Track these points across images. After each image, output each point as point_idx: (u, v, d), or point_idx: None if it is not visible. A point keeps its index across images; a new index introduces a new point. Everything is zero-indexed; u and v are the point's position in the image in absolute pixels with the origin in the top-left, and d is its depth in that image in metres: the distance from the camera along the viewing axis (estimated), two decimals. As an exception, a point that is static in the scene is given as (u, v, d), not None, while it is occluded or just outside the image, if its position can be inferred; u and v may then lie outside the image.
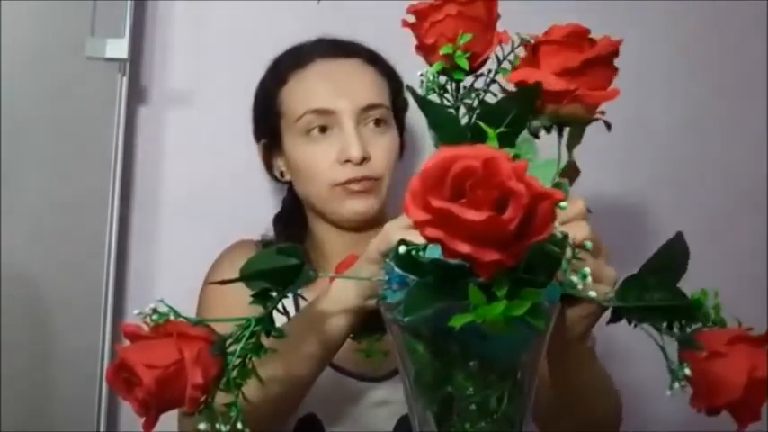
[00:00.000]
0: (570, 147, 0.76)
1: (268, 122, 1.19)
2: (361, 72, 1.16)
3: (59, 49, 1.30)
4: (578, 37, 0.75)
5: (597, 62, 0.74)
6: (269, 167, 1.23)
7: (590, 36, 0.75)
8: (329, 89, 1.13)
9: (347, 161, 1.10)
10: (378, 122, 1.13)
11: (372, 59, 1.19)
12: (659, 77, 1.48)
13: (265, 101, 1.20)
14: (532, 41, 0.76)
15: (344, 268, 0.87)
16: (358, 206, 1.12)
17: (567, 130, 0.76)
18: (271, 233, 1.24)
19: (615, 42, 0.74)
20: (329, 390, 1.05)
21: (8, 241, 1.23)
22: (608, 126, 0.76)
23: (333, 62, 1.16)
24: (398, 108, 1.20)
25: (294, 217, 1.23)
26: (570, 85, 0.73)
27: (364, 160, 1.10)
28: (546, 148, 0.76)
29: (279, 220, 1.26)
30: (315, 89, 1.14)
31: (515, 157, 0.72)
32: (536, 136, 0.76)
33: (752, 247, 1.54)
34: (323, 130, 1.12)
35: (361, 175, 1.10)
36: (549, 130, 0.77)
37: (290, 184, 1.21)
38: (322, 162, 1.12)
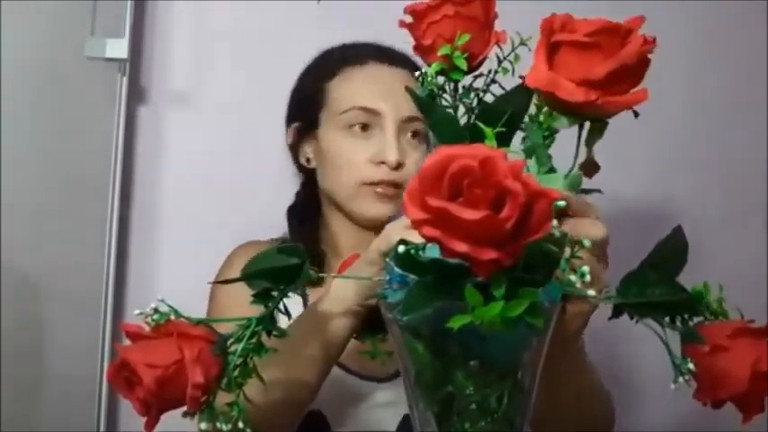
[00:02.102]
0: (590, 143, 0.74)
1: (307, 109, 1.21)
2: (408, 84, 1.17)
3: (59, 49, 1.30)
4: (607, 34, 0.67)
5: (625, 69, 0.67)
6: (295, 152, 1.24)
7: (622, 28, 0.66)
8: (378, 91, 1.15)
9: (382, 163, 1.12)
10: (415, 134, 1.15)
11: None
12: (659, 77, 1.47)
13: (309, 89, 1.21)
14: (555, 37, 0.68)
15: (346, 268, 0.87)
16: (384, 210, 1.14)
17: (587, 125, 0.73)
18: (279, 233, 1.23)
19: (649, 43, 0.67)
20: (335, 389, 1.05)
21: (8, 241, 1.23)
22: (635, 114, 0.73)
23: (385, 68, 1.18)
24: None
25: (309, 210, 1.23)
26: (591, 95, 0.67)
27: (399, 166, 1.12)
28: (564, 143, 0.74)
29: (294, 213, 1.26)
30: (365, 88, 1.16)
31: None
32: (555, 131, 0.74)
33: (752, 247, 1.54)
34: (365, 127, 1.14)
35: (391, 179, 1.13)
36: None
37: (310, 174, 1.22)
38: (357, 158, 1.14)
